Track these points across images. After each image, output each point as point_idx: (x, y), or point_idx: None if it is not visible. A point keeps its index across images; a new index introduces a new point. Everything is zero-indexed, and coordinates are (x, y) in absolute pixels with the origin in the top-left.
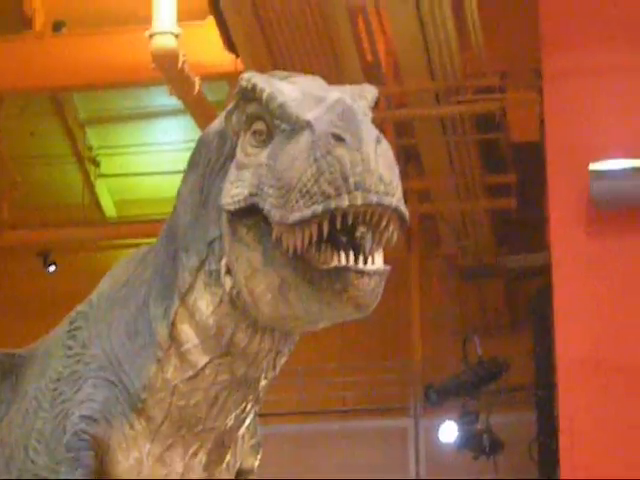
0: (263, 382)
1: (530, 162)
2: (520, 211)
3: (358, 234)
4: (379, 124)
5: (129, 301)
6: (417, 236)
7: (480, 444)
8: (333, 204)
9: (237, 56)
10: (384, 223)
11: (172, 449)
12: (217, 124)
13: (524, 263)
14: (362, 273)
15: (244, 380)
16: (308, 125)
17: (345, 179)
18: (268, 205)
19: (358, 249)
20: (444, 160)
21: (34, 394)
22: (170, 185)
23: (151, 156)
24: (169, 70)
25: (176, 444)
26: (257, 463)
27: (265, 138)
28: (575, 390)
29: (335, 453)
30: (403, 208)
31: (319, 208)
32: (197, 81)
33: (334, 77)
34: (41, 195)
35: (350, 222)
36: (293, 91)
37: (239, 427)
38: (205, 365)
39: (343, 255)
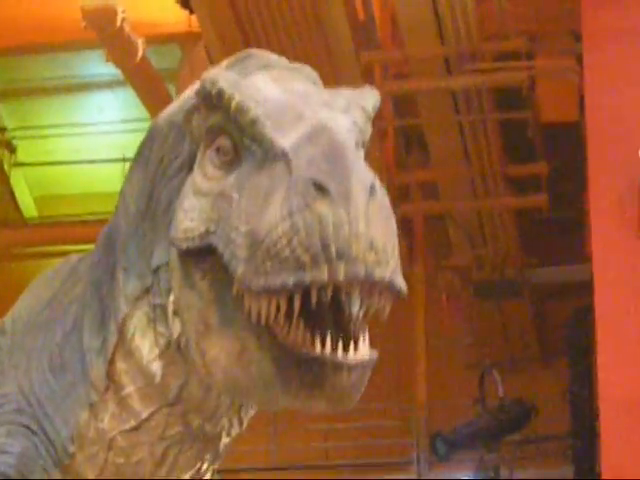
0: (225, 439)
1: (565, 148)
2: (553, 211)
3: (339, 309)
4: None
5: (54, 325)
6: (422, 243)
7: None
8: (308, 277)
9: (191, 13)
10: (373, 300)
11: None
12: (174, 112)
13: (557, 278)
14: (341, 366)
15: (200, 434)
16: (284, 158)
17: (325, 246)
18: (228, 253)
19: (338, 327)
20: (456, 146)
21: None
22: (106, 177)
23: (81, 140)
24: (105, 30)
25: None
26: None
27: (230, 159)
28: (621, 439)
29: None
30: (399, 280)
31: (290, 280)
32: (140, 44)
33: (316, 46)
34: None
35: (329, 297)
36: (269, 96)
37: None
38: (151, 415)
39: (318, 338)
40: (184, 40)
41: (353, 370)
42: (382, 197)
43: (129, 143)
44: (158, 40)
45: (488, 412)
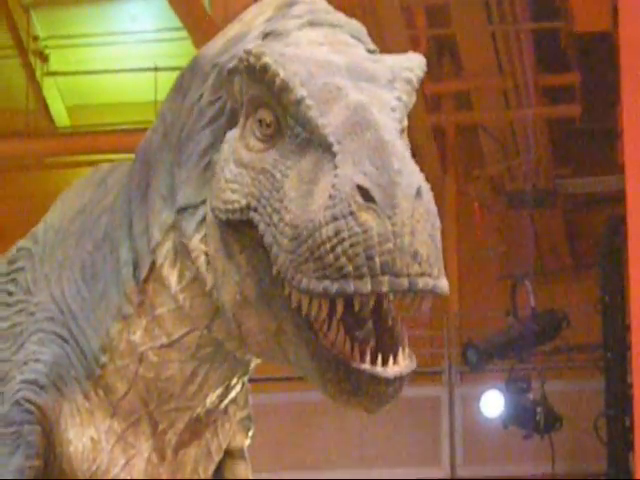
0: (257, 360)
1: (599, 58)
2: (585, 121)
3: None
4: (406, 7)
5: (85, 235)
6: (454, 152)
7: (532, 419)
8: (351, 287)
9: None
10: (415, 306)
11: (136, 426)
12: (217, 51)
13: (590, 188)
14: (380, 380)
15: (231, 356)
16: (329, 150)
17: (369, 257)
18: (269, 236)
19: (378, 335)
20: (488, 55)
21: None
22: (138, 86)
23: (114, 49)
24: None
25: (141, 421)
26: (248, 441)
27: (272, 132)
28: None
29: (349, 428)
30: (442, 284)
31: (333, 288)
32: None
33: None
34: None
35: (371, 307)
36: (314, 71)
37: (222, 402)
38: (182, 336)
39: (357, 347)
40: None
41: (391, 383)
42: (428, 199)
43: (161, 52)
44: None
45: (520, 322)
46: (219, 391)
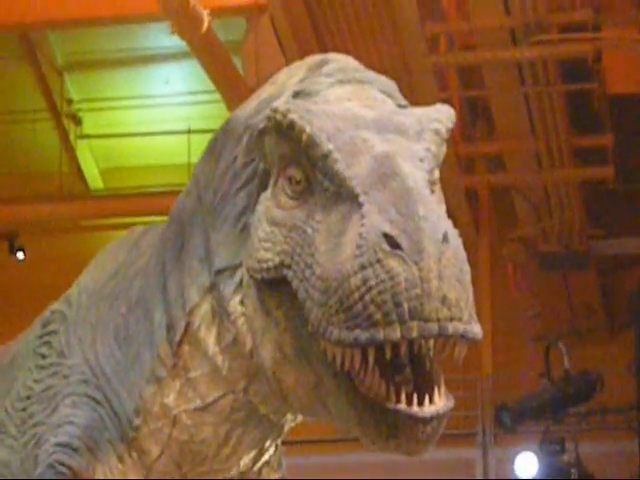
0: (291, 423)
1: (631, 120)
2: (619, 182)
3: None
4: (439, 70)
5: (119, 298)
6: (487, 213)
7: None
8: (381, 335)
9: None
10: (447, 351)
11: None
12: (249, 113)
13: (623, 249)
14: (416, 420)
15: (265, 420)
16: (356, 201)
17: (398, 304)
18: (303, 292)
19: (415, 377)
20: (521, 117)
21: None
22: (171, 149)
23: (147, 112)
24: (170, 1)
25: None
26: None
27: (302, 189)
28: None
29: None
30: (473, 329)
31: (363, 337)
32: (206, 16)
33: (381, 18)
34: (7, 161)
35: (403, 353)
36: (340, 126)
37: (255, 464)
38: (216, 399)
39: (393, 389)
40: (250, 12)
41: (429, 423)
42: (455, 244)
43: (194, 115)
44: (224, 12)
45: (554, 384)
46: (253, 453)
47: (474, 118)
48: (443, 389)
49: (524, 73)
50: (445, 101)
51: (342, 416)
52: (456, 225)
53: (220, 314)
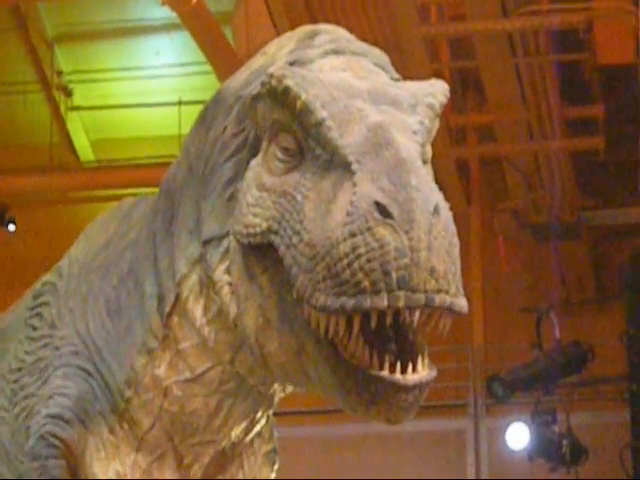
0: (280, 394)
1: (622, 90)
2: (609, 153)
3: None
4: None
5: (110, 269)
6: (478, 185)
7: (558, 451)
8: (367, 303)
9: None
10: (432, 323)
11: (162, 460)
12: (241, 84)
13: (615, 220)
14: (399, 388)
15: (255, 391)
16: (348, 168)
17: (386, 273)
18: (289, 258)
19: (398, 346)
20: (512, 88)
21: None
22: (161, 120)
23: (138, 83)
24: None
25: (167, 455)
26: (273, 475)
27: (294, 156)
28: None
29: (373, 462)
30: (460, 302)
31: (349, 303)
32: None
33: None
34: None
35: (388, 322)
36: (335, 94)
37: (247, 436)
38: (205, 370)
39: (377, 357)
40: None
41: (411, 391)
42: (446, 217)
43: (185, 86)
44: None
45: (545, 354)
46: (244, 424)
47: (465, 89)
48: (427, 359)
49: (515, 44)
50: (436, 72)
51: (323, 383)
52: (447, 196)
53: (207, 285)
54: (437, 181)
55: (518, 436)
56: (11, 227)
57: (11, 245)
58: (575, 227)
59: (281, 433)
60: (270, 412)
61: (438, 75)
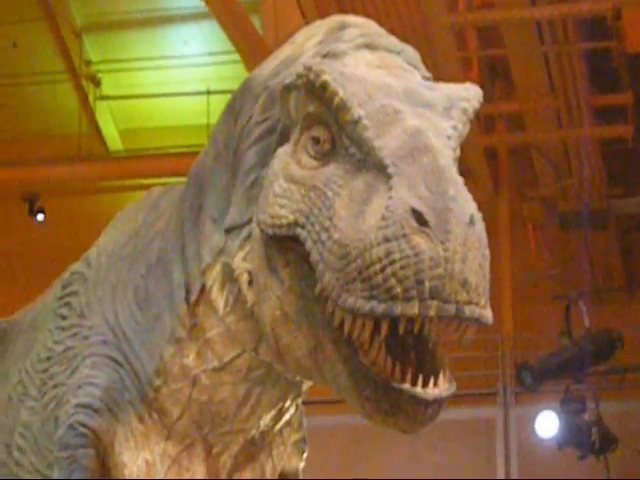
0: (309, 382)
1: None
2: (638, 141)
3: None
4: (458, 29)
5: (138, 258)
6: (507, 173)
7: (587, 440)
8: (398, 310)
9: None
10: (459, 334)
11: (191, 450)
12: (269, 74)
13: None
14: (419, 402)
15: (282, 376)
16: (384, 171)
17: (419, 281)
18: (316, 254)
19: (420, 358)
20: (541, 76)
21: (18, 378)
22: (190, 109)
23: (166, 73)
24: None
25: (196, 444)
26: (303, 464)
27: (326, 150)
28: None
29: (403, 450)
30: (487, 314)
31: (380, 308)
32: None
33: None
34: (26, 123)
35: (416, 330)
36: (372, 93)
37: (276, 425)
38: (233, 358)
39: (398, 368)
40: None
41: (430, 405)
42: (480, 229)
43: (214, 76)
44: None
45: (574, 343)
46: (272, 413)
47: (493, 77)
48: (448, 373)
49: (543, 32)
50: (464, 60)
51: (338, 383)
52: (475, 184)
53: (229, 274)
54: (465, 170)
55: (547, 424)
56: (40, 217)
57: (40, 235)
58: (604, 215)
59: (310, 422)
60: (299, 401)
61: (466, 64)
